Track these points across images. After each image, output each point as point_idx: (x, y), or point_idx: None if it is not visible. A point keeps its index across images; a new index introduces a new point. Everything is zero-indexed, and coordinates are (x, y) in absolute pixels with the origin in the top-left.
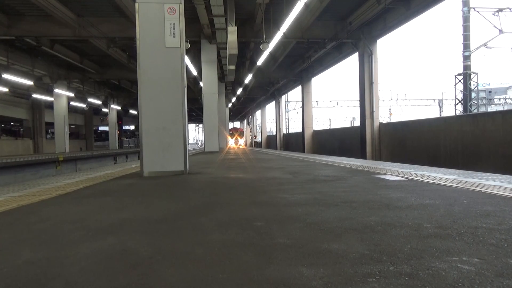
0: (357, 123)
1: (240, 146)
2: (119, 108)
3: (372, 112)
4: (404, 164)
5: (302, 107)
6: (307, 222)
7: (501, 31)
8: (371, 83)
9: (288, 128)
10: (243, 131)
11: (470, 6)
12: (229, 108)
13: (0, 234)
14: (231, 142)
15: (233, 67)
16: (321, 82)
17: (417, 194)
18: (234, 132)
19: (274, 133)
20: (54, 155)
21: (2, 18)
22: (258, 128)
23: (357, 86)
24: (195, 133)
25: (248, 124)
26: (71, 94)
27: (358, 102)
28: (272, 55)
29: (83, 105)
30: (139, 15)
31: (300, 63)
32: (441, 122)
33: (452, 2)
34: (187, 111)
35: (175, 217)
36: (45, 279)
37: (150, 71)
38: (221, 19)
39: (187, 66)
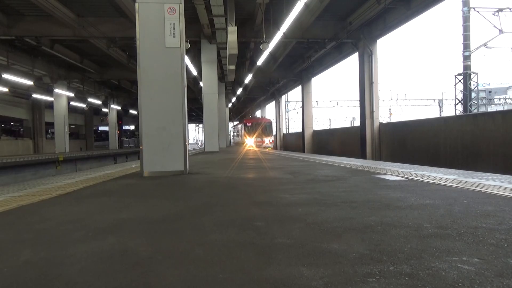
0: (357, 123)
1: (267, 149)
2: (119, 108)
3: (372, 112)
4: (404, 164)
5: (302, 107)
6: (307, 222)
7: (501, 31)
8: (371, 83)
9: (288, 128)
10: (270, 123)
11: (470, 6)
12: (229, 108)
13: (0, 234)
14: (249, 142)
15: (233, 67)
16: (321, 82)
17: (417, 194)
18: (255, 125)
19: (274, 133)
20: (54, 155)
21: (2, 18)
22: None
23: (357, 86)
24: (195, 133)
25: None
26: (71, 94)
27: (358, 102)
28: (272, 55)
29: (83, 105)
30: (139, 15)
31: (300, 63)
32: (441, 122)
33: (452, 2)
34: (187, 111)
35: (175, 217)
36: (45, 279)
37: (150, 71)
38: (221, 19)
39: (187, 66)
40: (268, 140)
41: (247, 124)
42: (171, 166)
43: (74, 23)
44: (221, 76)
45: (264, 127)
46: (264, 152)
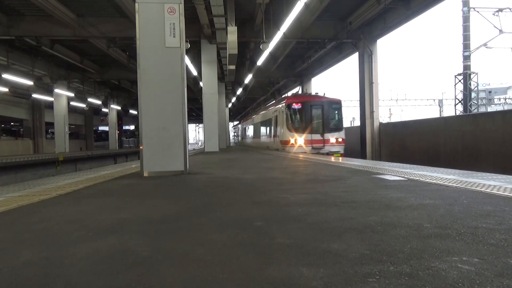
0: (357, 123)
1: (332, 155)
2: (119, 108)
3: (372, 112)
4: (404, 164)
5: None
6: (307, 222)
7: (501, 31)
8: (371, 83)
9: None
10: (340, 105)
11: (470, 6)
12: (229, 108)
13: (0, 234)
14: (299, 141)
15: (233, 67)
16: (321, 82)
17: (417, 194)
18: (312, 108)
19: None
20: (54, 155)
21: (2, 18)
22: None
23: (357, 86)
24: (195, 133)
25: None
26: (71, 94)
27: (358, 102)
28: (272, 55)
29: (83, 105)
30: (139, 15)
31: (300, 63)
32: (441, 122)
33: (452, 2)
34: (187, 111)
35: (175, 217)
36: (45, 279)
37: (150, 71)
38: (221, 19)
39: (187, 66)
40: (336, 139)
41: (294, 107)
42: (171, 166)
43: (74, 23)
44: (221, 76)
45: (330, 113)
46: (264, 153)
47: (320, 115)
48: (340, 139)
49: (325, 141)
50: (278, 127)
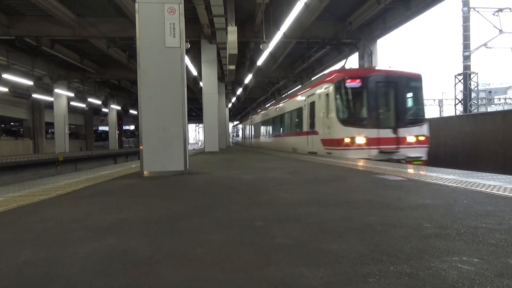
0: None
1: (410, 164)
2: (119, 108)
3: None
4: (404, 164)
5: None
6: (307, 222)
7: (501, 31)
8: None
9: None
10: (420, 83)
11: (470, 6)
12: (229, 108)
13: (0, 234)
14: (358, 140)
15: (233, 67)
16: None
17: (417, 194)
18: (379, 87)
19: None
20: (54, 155)
21: (2, 18)
22: None
23: None
24: (195, 133)
25: None
26: (71, 94)
27: None
28: (272, 55)
29: (83, 105)
30: (139, 15)
31: (300, 63)
32: (441, 122)
33: (452, 2)
34: (187, 111)
35: (175, 217)
36: (45, 279)
37: (150, 71)
38: (221, 19)
39: (187, 66)
40: (416, 137)
41: (349, 85)
42: (171, 166)
43: (74, 23)
44: (221, 76)
45: (406, 95)
46: (263, 153)
47: (391, 99)
48: (422, 137)
49: (399, 141)
50: (316, 120)
